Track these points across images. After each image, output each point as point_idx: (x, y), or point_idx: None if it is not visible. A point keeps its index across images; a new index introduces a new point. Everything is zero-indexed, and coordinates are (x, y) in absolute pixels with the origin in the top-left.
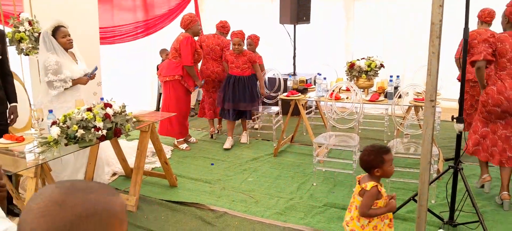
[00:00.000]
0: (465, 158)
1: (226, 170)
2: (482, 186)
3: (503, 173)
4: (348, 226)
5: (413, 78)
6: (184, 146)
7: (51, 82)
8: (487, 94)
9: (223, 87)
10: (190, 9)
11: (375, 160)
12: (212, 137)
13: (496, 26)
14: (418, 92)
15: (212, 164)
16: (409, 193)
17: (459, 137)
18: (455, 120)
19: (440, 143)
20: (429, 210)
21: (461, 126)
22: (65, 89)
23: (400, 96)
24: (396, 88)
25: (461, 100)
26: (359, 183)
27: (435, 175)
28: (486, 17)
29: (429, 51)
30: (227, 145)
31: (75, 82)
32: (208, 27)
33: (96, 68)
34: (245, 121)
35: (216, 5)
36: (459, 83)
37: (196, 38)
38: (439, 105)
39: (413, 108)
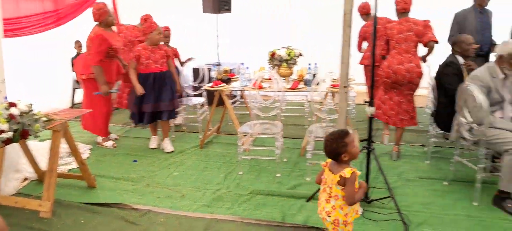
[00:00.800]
0: (378, 139)
1: (150, 166)
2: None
3: (397, 132)
4: (329, 216)
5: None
6: (109, 143)
7: None
8: (381, 68)
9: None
10: None
11: (338, 146)
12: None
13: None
14: (335, 79)
15: (134, 161)
16: None
17: (371, 119)
18: (367, 104)
19: (355, 125)
20: None
21: (372, 109)
22: None
23: (318, 83)
24: (314, 75)
25: (372, 85)
26: (332, 173)
27: None
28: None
29: (342, 39)
30: (153, 144)
31: None
32: (128, 18)
33: None
34: (167, 125)
35: None
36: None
37: (113, 29)
38: (353, 90)
39: (330, 94)
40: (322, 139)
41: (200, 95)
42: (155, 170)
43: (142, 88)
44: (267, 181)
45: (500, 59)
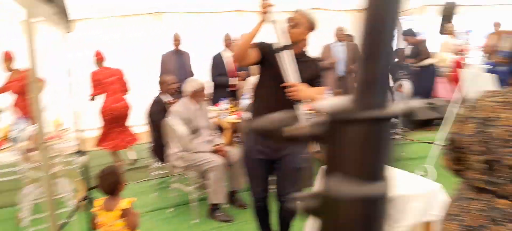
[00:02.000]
0: None
1: None
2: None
3: (117, 155)
4: None
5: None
6: None
7: None
8: (102, 109)
9: None
10: None
11: (118, 178)
12: None
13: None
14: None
15: None
16: None
17: (86, 169)
18: (78, 154)
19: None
20: None
21: (84, 158)
22: None
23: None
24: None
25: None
26: (110, 210)
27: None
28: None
29: (32, 100)
30: None
31: None
32: None
33: None
34: None
35: None
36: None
37: None
38: (69, 139)
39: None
40: (41, 200)
41: None
42: None
43: None
44: None
45: (194, 94)
